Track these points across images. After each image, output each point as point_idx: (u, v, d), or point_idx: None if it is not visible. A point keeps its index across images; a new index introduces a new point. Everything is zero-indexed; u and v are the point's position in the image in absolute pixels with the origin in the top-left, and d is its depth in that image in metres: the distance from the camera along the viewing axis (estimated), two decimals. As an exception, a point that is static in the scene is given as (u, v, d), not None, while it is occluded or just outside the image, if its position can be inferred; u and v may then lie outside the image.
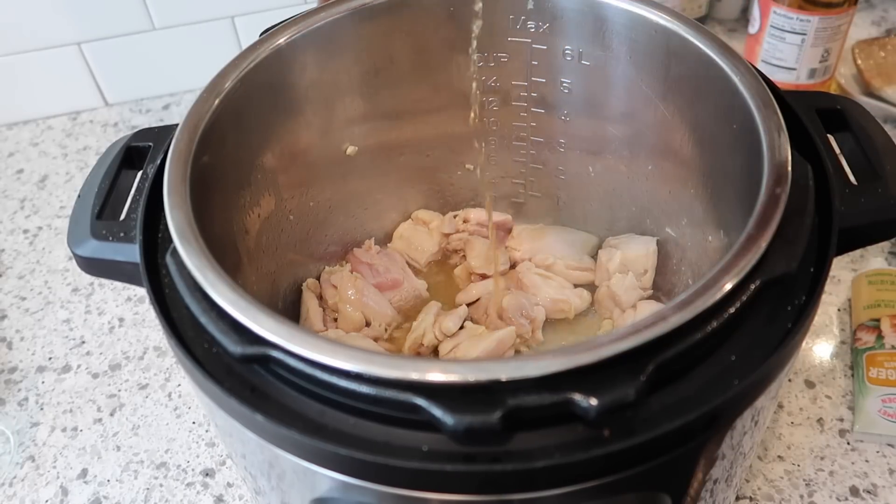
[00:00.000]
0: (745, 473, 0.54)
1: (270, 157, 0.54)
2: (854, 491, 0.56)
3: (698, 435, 0.34)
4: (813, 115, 0.47)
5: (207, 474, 0.61)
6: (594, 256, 0.65)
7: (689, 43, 0.49)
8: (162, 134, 0.50)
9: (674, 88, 0.52)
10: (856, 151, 0.46)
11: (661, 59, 0.52)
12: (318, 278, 0.64)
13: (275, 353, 0.34)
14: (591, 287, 0.64)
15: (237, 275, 0.49)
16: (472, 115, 0.59)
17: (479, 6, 0.53)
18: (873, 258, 0.71)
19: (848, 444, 0.59)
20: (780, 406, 0.62)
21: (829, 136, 0.46)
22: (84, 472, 0.62)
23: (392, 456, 0.32)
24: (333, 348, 0.33)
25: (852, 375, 0.63)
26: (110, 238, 0.44)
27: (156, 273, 0.42)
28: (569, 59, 0.57)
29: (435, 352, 0.59)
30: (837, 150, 0.45)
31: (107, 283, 0.77)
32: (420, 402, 0.31)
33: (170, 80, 1.01)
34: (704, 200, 0.53)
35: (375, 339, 0.60)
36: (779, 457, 0.59)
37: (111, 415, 0.66)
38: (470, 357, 0.56)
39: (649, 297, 0.61)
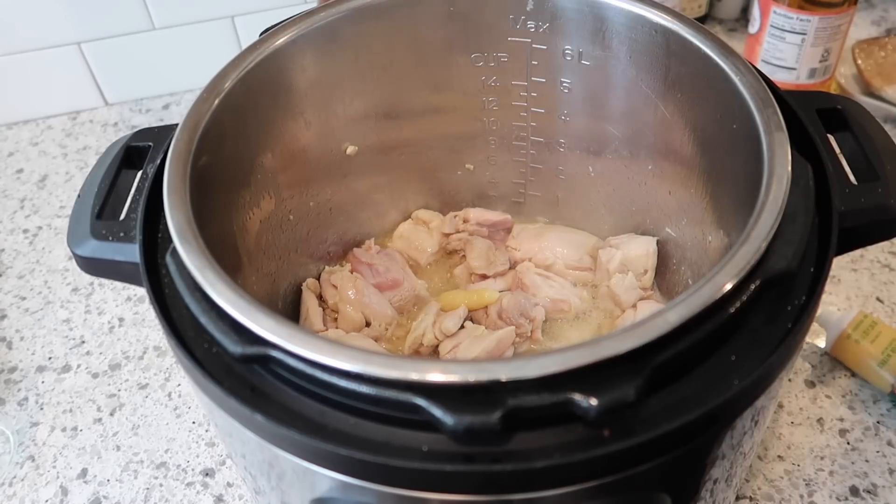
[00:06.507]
0: (745, 473, 0.54)
1: (270, 156, 0.54)
2: (854, 491, 0.56)
3: (698, 435, 0.34)
4: (813, 114, 0.47)
5: (207, 474, 0.61)
6: (594, 256, 0.65)
7: (689, 43, 0.49)
8: (162, 134, 0.50)
9: (674, 88, 0.52)
10: (856, 151, 0.46)
11: (661, 59, 0.52)
12: (318, 278, 0.64)
13: (275, 353, 0.34)
14: (591, 287, 0.64)
15: (237, 275, 0.49)
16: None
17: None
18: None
19: (848, 443, 0.59)
20: (780, 406, 0.62)
21: (829, 136, 0.46)
22: (84, 472, 0.62)
23: (392, 456, 0.32)
24: (333, 348, 0.33)
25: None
26: (110, 238, 0.44)
27: (156, 273, 0.42)
28: (569, 59, 0.57)
29: (435, 352, 0.59)
30: (837, 150, 0.45)
31: (107, 282, 0.77)
32: (420, 402, 0.31)
33: (170, 80, 1.01)
34: (704, 200, 0.53)
35: (375, 339, 0.60)
36: (779, 457, 0.59)
37: (111, 415, 0.66)
38: (470, 357, 0.56)
39: (649, 297, 0.61)
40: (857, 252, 0.73)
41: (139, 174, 0.48)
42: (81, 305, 0.76)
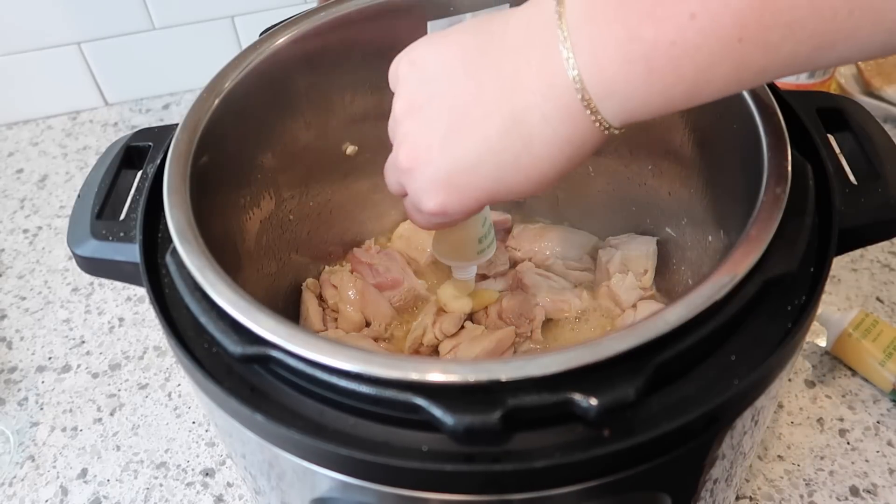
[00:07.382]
0: (745, 473, 0.54)
1: (270, 156, 0.54)
2: (854, 491, 0.56)
3: (698, 435, 0.34)
4: (813, 114, 0.47)
5: (207, 474, 0.61)
6: (594, 256, 0.65)
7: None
8: (162, 134, 0.50)
9: (674, 88, 0.52)
10: (856, 151, 0.46)
11: (662, 58, 0.52)
12: (318, 278, 0.64)
13: (274, 353, 0.34)
14: (591, 287, 0.64)
15: (237, 275, 0.49)
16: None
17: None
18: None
19: (848, 443, 0.59)
20: (780, 406, 0.62)
21: (829, 136, 0.46)
22: (84, 472, 0.62)
23: (392, 456, 0.32)
24: (333, 348, 0.33)
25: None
26: (110, 238, 0.44)
27: (156, 273, 0.42)
28: (569, 58, 0.57)
29: (435, 352, 0.59)
30: (837, 150, 0.45)
31: (107, 282, 0.77)
32: (420, 402, 0.31)
33: (170, 79, 1.01)
34: (704, 200, 0.53)
35: (375, 339, 0.60)
36: (779, 457, 0.59)
37: (111, 414, 0.66)
38: (470, 357, 0.56)
39: (649, 297, 0.61)
40: (857, 252, 0.73)
41: (139, 174, 0.48)
42: (81, 305, 0.76)
